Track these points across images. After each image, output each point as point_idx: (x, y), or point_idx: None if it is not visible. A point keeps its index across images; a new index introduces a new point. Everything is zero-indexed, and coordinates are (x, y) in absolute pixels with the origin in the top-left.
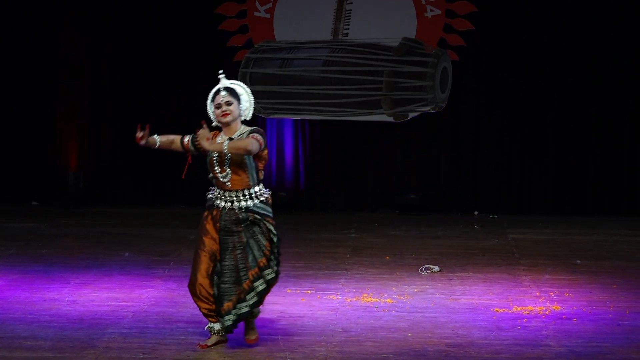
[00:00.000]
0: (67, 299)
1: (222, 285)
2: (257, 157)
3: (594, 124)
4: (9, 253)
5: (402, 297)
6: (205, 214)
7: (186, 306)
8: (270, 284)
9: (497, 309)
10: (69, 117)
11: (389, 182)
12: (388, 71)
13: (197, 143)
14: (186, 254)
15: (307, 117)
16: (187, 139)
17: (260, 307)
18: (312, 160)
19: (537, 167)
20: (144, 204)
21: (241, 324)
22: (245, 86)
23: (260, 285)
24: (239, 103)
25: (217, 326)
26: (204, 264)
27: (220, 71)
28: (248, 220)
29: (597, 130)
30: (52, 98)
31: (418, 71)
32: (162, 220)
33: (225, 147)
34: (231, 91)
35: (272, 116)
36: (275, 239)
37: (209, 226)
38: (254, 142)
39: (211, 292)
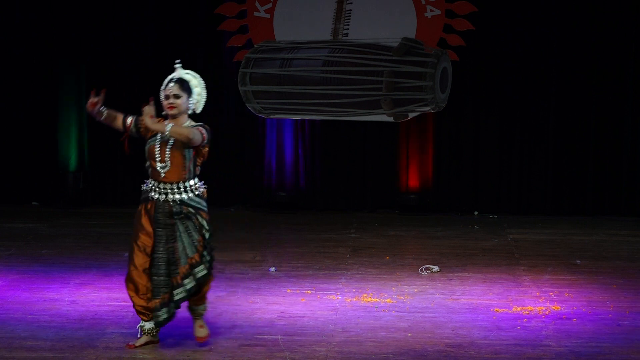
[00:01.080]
0: (67, 299)
1: (154, 278)
2: (197, 151)
3: (594, 124)
4: (9, 253)
5: (402, 297)
6: (140, 207)
7: (186, 306)
8: (200, 282)
9: (497, 309)
10: (69, 118)
11: (389, 182)
12: (388, 71)
13: (140, 124)
14: None
15: (307, 117)
16: (130, 118)
17: (208, 304)
18: (312, 160)
19: (537, 167)
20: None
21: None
22: (200, 79)
23: (189, 283)
24: (189, 96)
25: (148, 325)
26: (140, 259)
27: (177, 60)
28: (182, 213)
29: (596, 130)
30: (53, 99)
31: (418, 71)
32: None
33: (167, 129)
34: (182, 83)
35: (272, 116)
36: (207, 235)
37: (144, 220)
38: (198, 133)
39: (149, 287)
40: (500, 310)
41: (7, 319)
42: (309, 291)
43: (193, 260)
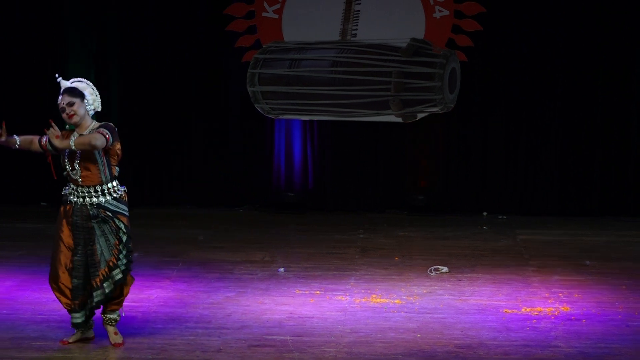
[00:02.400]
0: None
1: (74, 281)
2: (107, 152)
3: (602, 125)
4: (19, 254)
5: (411, 298)
6: (61, 209)
7: (195, 307)
8: (118, 284)
9: (506, 310)
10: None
11: (398, 183)
12: (396, 72)
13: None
14: (195, 255)
15: (316, 118)
16: (44, 138)
17: (122, 311)
18: (320, 160)
19: (545, 168)
20: (152, 204)
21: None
22: (86, 80)
23: (108, 287)
24: (83, 99)
25: (79, 320)
26: (63, 259)
27: (57, 75)
28: (99, 217)
29: (604, 130)
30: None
31: (426, 72)
32: (170, 221)
33: (71, 143)
34: (70, 91)
35: (280, 117)
36: (124, 238)
37: (64, 222)
38: (100, 137)
39: (70, 288)
40: (509, 311)
41: (17, 319)
42: (318, 292)
43: (111, 263)
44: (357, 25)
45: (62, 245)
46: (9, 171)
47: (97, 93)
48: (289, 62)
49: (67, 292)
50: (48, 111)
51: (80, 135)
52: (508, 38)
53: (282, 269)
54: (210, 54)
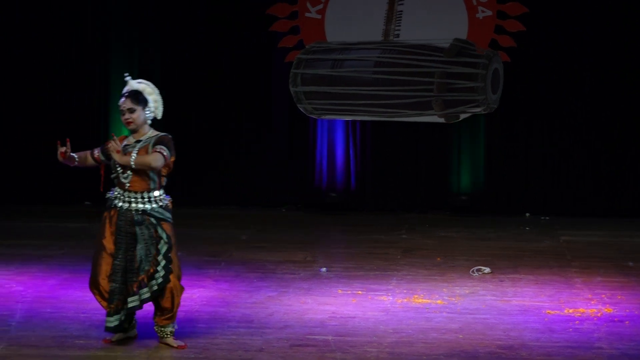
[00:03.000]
0: None
1: (112, 285)
2: (155, 171)
3: None
4: (61, 252)
5: (453, 299)
6: (104, 214)
7: (238, 306)
8: (155, 294)
9: (548, 311)
10: (119, 118)
11: (440, 183)
12: (439, 72)
13: (106, 151)
14: (237, 255)
15: (358, 118)
16: (96, 151)
17: (175, 326)
18: (363, 161)
19: (589, 169)
20: (195, 204)
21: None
22: (153, 86)
23: (145, 293)
24: (144, 107)
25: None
26: (104, 265)
27: (126, 74)
28: (143, 223)
29: None
30: (105, 99)
31: (469, 72)
32: (214, 220)
33: (132, 162)
34: (134, 96)
35: (323, 117)
36: (164, 248)
37: (107, 227)
38: (160, 158)
39: (108, 291)
40: (552, 312)
41: (60, 318)
42: (360, 292)
43: (148, 273)
44: (399, 25)
45: (103, 251)
46: (52, 171)
47: (161, 101)
48: (332, 62)
49: (107, 296)
50: (100, 113)
51: (138, 141)
52: (551, 38)
53: (324, 269)
54: (253, 54)
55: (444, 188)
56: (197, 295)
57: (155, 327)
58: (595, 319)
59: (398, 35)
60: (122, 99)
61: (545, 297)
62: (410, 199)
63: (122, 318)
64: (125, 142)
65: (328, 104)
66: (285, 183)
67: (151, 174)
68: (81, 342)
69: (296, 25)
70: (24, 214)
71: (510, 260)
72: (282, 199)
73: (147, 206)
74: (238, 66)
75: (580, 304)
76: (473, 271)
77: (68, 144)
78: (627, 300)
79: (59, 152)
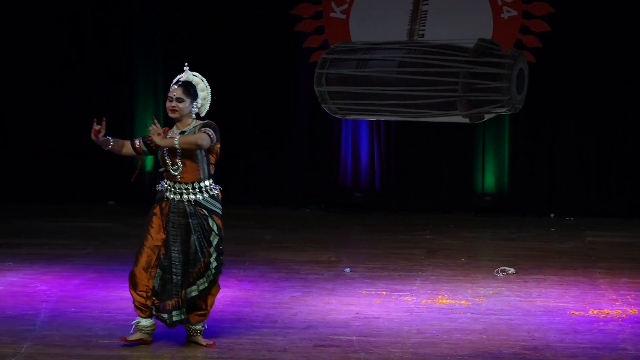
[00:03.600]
0: None
1: (173, 277)
2: (209, 150)
3: None
4: (86, 252)
5: (477, 299)
6: (154, 206)
7: (261, 306)
8: (210, 285)
9: (573, 312)
10: (145, 117)
11: (464, 184)
12: (464, 72)
13: (148, 141)
14: (261, 255)
15: (383, 118)
16: (137, 140)
17: (206, 325)
18: (387, 161)
19: (614, 169)
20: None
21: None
22: (206, 83)
23: (202, 284)
24: (193, 101)
25: (143, 322)
26: (145, 257)
27: (186, 64)
28: (195, 214)
29: None
30: (129, 97)
31: (494, 72)
32: (237, 220)
33: (176, 142)
34: (187, 87)
35: (347, 117)
36: (215, 240)
37: (157, 219)
38: (205, 137)
39: (150, 286)
40: (576, 313)
41: (84, 317)
42: (384, 292)
43: (203, 265)
44: (424, 25)
45: (147, 244)
46: (76, 170)
47: (209, 99)
48: (356, 62)
49: (144, 291)
50: (123, 111)
51: (182, 132)
52: (577, 38)
53: (348, 269)
54: (278, 54)
55: (468, 188)
56: (221, 295)
57: (185, 324)
58: (620, 320)
59: (423, 35)
60: (174, 86)
61: (569, 298)
62: (434, 199)
63: (184, 311)
64: (169, 134)
65: (352, 104)
66: (309, 183)
67: (200, 164)
68: (105, 341)
69: (321, 25)
70: (48, 214)
71: (534, 260)
72: (307, 199)
73: (199, 196)
74: (263, 66)
75: (605, 305)
76: (497, 272)
77: (104, 123)
78: None
79: (92, 130)
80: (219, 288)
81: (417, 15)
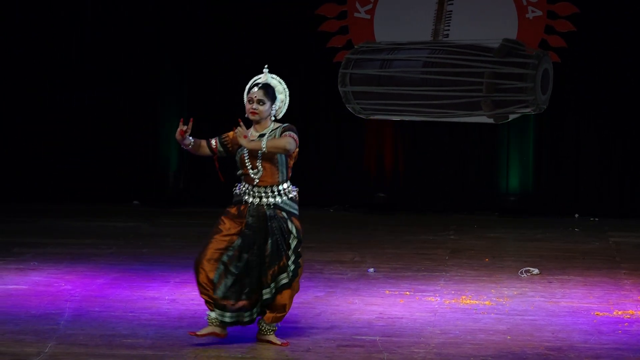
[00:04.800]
0: (167, 297)
1: (251, 280)
2: (289, 155)
3: None
4: (110, 252)
5: (501, 300)
6: (232, 208)
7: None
8: (282, 289)
9: (597, 313)
10: (170, 117)
11: (489, 184)
12: (488, 72)
13: (225, 142)
14: None
15: (407, 118)
16: (214, 141)
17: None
18: (411, 161)
19: (639, 170)
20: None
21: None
22: (285, 86)
23: (277, 286)
24: (272, 103)
25: (212, 314)
26: (212, 250)
27: (265, 66)
28: (274, 217)
29: None
30: (154, 98)
31: (519, 72)
32: None
33: (264, 146)
34: (267, 89)
35: (371, 117)
36: (294, 243)
37: (232, 219)
38: (292, 142)
39: (211, 278)
40: (600, 313)
41: (108, 317)
42: (407, 292)
43: (278, 267)
44: (449, 25)
45: (216, 239)
46: (101, 169)
47: (287, 102)
48: (381, 62)
49: (206, 283)
50: (148, 112)
51: (261, 135)
52: (602, 39)
53: (371, 270)
54: (302, 54)
55: (492, 188)
56: None
57: (259, 322)
58: None
59: (447, 35)
60: (255, 89)
61: (594, 299)
62: (458, 199)
63: (257, 311)
64: (248, 135)
65: (376, 104)
66: (333, 183)
67: (280, 167)
68: (129, 341)
69: (345, 25)
70: (72, 214)
71: (559, 261)
72: (330, 199)
73: (278, 199)
74: (287, 66)
75: (629, 305)
76: (521, 272)
77: (190, 124)
78: None
79: (178, 130)
80: (297, 290)
81: (441, 15)
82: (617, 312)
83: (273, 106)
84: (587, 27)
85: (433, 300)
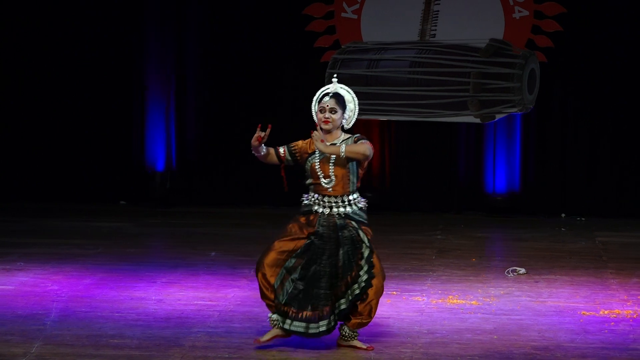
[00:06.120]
0: (153, 297)
1: (319, 291)
2: (359, 164)
3: None
4: (96, 252)
5: (488, 299)
6: (301, 218)
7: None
8: (356, 299)
9: (584, 312)
10: (156, 119)
11: (476, 184)
12: (475, 72)
13: (294, 152)
14: None
15: (394, 118)
16: (282, 149)
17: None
18: (398, 161)
19: (625, 169)
20: (230, 204)
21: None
22: (353, 94)
23: (349, 296)
24: (343, 112)
25: (274, 316)
26: (274, 254)
27: (335, 74)
28: (345, 227)
29: None
30: (140, 100)
31: (505, 72)
32: (248, 220)
33: (342, 151)
34: (338, 98)
35: (357, 117)
36: (367, 252)
37: (300, 227)
38: (370, 149)
39: (272, 283)
40: (587, 313)
41: (94, 317)
42: (394, 292)
43: (350, 278)
44: (436, 25)
45: (281, 244)
46: (87, 170)
47: (356, 112)
48: (368, 62)
49: (266, 285)
50: (135, 113)
51: (332, 145)
52: (589, 38)
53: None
54: (289, 54)
55: (479, 188)
56: (231, 295)
57: (342, 328)
58: (630, 320)
59: (434, 36)
60: (327, 98)
61: (580, 298)
62: (445, 199)
63: (332, 324)
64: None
65: (363, 104)
66: None
67: (351, 177)
68: (115, 341)
69: (332, 25)
70: (59, 213)
71: (545, 261)
72: None
73: (348, 209)
74: (274, 66)
75: (615, 305)
76: (508, 272)
77: (268, 131)
78: None
79: (255, 136)
80: (381, 293)
81: (428, 16)
82: (604, 312)
83: (344, 115)
84: (573, 27)
85: (420, 299)
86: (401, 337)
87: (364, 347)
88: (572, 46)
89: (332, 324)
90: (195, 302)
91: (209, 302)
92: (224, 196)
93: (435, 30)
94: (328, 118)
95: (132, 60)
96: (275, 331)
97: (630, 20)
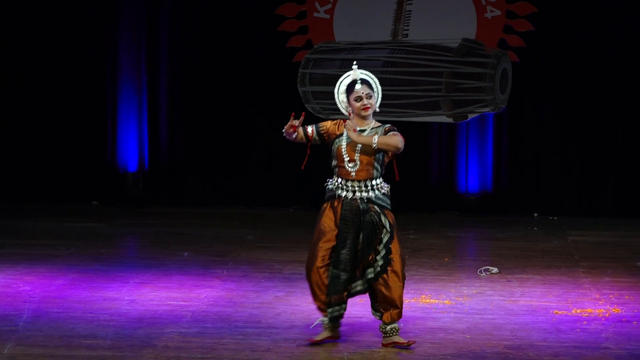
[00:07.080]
0: (126, 298)
1: (341, 275)
2: (387, 153)
3: None
4: (68, 252)
5: (460, 299)
6: (325, 205)
7: (245, 306)
8: (369, 283)
9: (556, 311)
10: (129, 119)
11: (448, 184)
12: (448, 72)
13: (322, 132)
14: (244, 255)
15: None
16: (310, 128)
17: (400, 326)
18: None
19: (598, 169)
20: (202, 204)
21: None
22: (374, 77)
23: (368, 275)
24: (376, 96)
25: (326, 320)
26: (321, 256)
27: (355, 62)
28: (367, 212)
29: None
30: (112, 100)
31: (478, 72)
32: (221, 220)
33: (374, 142)
34: (369, 83)
35: (331, 117)
36: (386, 238)
37: (330, 218)
38: (402, 141)
39: (326, 284)
40: (559, 312)
41: (67, 318)
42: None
43: (368, 260)
44: (408, 25)
45: (324, 243)
46: (60, 170)
47: (380, 94)
48: (340, 62)
49: (322, 289)
50: (108, 113)
51: (362, 131)
52: (560, 38)
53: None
54: (261, 54)
55: (452, 188)
56: (204, 296)
57: (381, 327)
58: (603, 319)
59: (407, 35)
60: (358, 85)
61: (553, 298)
62: (418, 199)
63: (345, 306)
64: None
65: (336, 104)
66: (293, 183)
67: (376, 163)
68: (88, 342)
69: (304, 25)
70: (31, 213)
71: (518, 260)
72: (291, 199)
73: (371, 194)
74: (246, 66)
75: (588, 304)
76: (481, 271)
77: (301, 118)
78: (635, 301)
79: (289, 124)
80: (403, 278)
81: (401, 15)
82: (576, 311)
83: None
84: (545, 27)
85: None
86: (374, 337)
87: (404, 341)
88: (543, 46)
89: (345, 307)
90: (168, 302)
91: (182, 303)
92: (196, 196)
93: (408, 30)
94: (367, 105)
95: (105, 60)
96: (327, 333)
97: (602, 19)
